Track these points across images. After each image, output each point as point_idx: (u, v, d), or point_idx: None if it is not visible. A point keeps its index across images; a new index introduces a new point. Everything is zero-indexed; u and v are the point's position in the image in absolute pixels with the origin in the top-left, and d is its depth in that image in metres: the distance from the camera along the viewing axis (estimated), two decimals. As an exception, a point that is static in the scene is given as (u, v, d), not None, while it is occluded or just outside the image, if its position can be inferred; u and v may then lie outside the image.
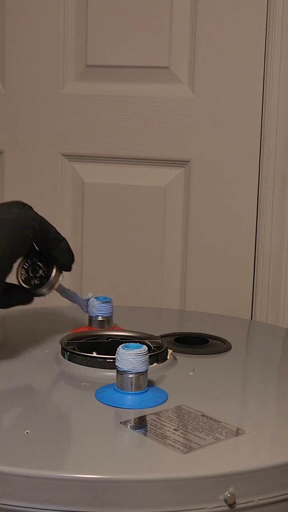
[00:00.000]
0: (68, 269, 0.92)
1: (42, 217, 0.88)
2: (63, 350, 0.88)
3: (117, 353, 0.76)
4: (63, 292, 0.94)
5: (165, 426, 0.71)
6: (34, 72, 1.40)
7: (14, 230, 0.83)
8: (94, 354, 0.85)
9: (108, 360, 0.83)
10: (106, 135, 1.38)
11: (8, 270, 0.83)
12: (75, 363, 0.85)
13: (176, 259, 1.37)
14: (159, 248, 1.37)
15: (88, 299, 0.98)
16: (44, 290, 0.90)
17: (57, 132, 1.40)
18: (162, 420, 0.72)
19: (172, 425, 0.71)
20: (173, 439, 0.68)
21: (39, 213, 0.89)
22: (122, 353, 0.75)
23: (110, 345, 0.90)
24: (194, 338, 0.98)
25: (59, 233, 0.89)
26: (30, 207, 0.91)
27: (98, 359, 0.84)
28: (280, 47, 1.27)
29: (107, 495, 0.61)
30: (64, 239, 0.90)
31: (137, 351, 0.75)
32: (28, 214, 0.86)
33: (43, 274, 0.90)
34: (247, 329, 1.17)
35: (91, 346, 0.90)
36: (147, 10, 1.33)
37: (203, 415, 0.74)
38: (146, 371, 0.76)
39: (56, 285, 0.90)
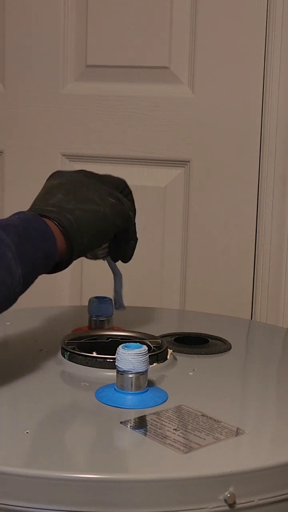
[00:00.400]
0: (117, 260, 0.96)
1: (131, 212, 0.90)
2: (63, 350, 0.88)
3: (117, 353, 0.76)
4: (110, 264, 0.97)
5: (165, 426, 0.71)
6: (34, 72, 1.40)
7: (101, 228, 0.85)
8: (94, 354, 0.85)
9: (108, 360, 0.83)
10: (106, 135, 1.38)
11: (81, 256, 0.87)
12: (75, 363, 0.85)
13: (176, 259, 1.37)
14: (159, 248, 1.37)
15: (120, 295, 1.00)
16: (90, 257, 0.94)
17: (57, 132, 1.40)
18: (162, 420, 0.72)
19: (172, 425, 0.71)
20: (173, 439, 0.68)
21: None
22: (122, 353, 0.75)
23: (110, 345, 0.90)
24: (194, 338, 0.98)
25: (135, 233, 0.92)
26: (129, 192, 0.92)
27: (98, 359, 0.84)
28: (280, 47, 1.27)
29: (107, 495, 0.61)
30: (136, 239, 0.93)
31: (137, 351, 0.75)
32: (120, 210, 0.87)
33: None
34: (247, 329, 1.17)
35: (91, 346, 0.90)
36: (147, 10, 1.33)
37: (203, 415, 0.74)
38: (146, 371, 0.76)
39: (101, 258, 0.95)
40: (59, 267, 0.83)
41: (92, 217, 0.84)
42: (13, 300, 0.75)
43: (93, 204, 0.85)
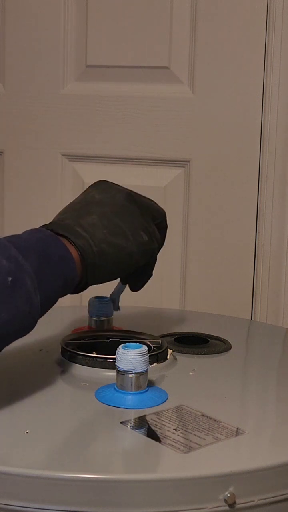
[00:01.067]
0: (125, 283, 0.94)
1: (155, 250, 0.88)
2: (63, 350, 0.88)
3: (117, 353, 0.76)
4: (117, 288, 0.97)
5: (165, 426, 0.71)
6: (34, 72, 1.40)
7: (121, 266, 0.83)
8: (94, 354, 0.85)
9: (108, 360, 0.83)
10: (106, 135, 1.38)
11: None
12: (75, 363, 0.85)
13: (176, 259, 1.37)
14: (159, 248, 1.37)
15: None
16: None
17: (57, 132, 1.40)
18: (162, 420, 0.72)
19: (172, 425, 0.71)
20: (173, 439, 0.68)
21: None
22: (122, 353, 0.75)
23: (110, 345, 0.90)
24: (194, 338, 0.99)
25: (152, 269, 0.91)
26: (165, 226, 0.92)
27: (98, 359, 0.84)
28: (280, 47, 1.27)
29: (107, 495, 0.61)
30: (151, 275, 0.91)
31: (137, 351, 0.75)
32: (147, 250, 0.85)
33: None
34: (247, 329, 1.17)
35: (91, 346, 0.90)
36: (147, 10, 1.33)
37: (203, 415, 0.74)
38: (146, 371, 0.76)
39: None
40: (74, 290, 0.82)
41: (117, 253, 0.82)
42: (32, 326, 0.75)
43: (123, 239, 0.82)
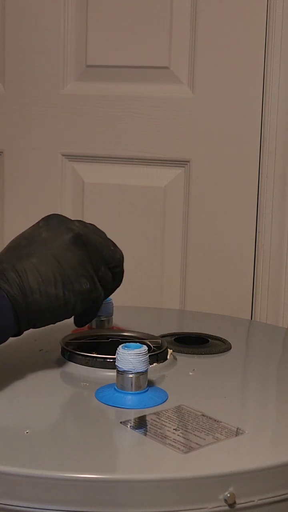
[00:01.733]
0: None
1: (99, 297, 0.83)
2: (63, 350, 0.88)
3: (117, 353, 0.76)
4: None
5: (165, 426, 0.71)
6: (34, 72, 1.40)
7: (55, 314, 0.80)
8: (94, 354, 0.85)
9: (108, 360, 0.83)
10: (106, 135, 1.37)
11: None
12: (75, 363, 0.85)
13: (176, 259, 1.37)
14: (159, 248, 1.37)
15: None
16: None
17: (57, 132, 1.40)
18: (162, 420, 0.72)
19: (172, 425, 0.71)
20: (173, 439, 0.68)
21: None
22: (122, 353, 0.75)
23: (110, 345, 0.90)
24: (194, 338, 0.98)
25: (96, 311, 0.86)
26: (119, 271, 0.86)
27: (98, 359, 0.84)
28: (280, 47, 1.27)
29: (107, 495, 0.61)
30: (95, 316, 0.87)
31: (137, 351, 0.75)
32: (87, 298, 0.80)
33: None
34: (247, 329, 1.17)
35: (91, 346, 0.90)
36: (147, 10, 1.33)
37: (203, 415, 0.74)
38: (146, 371, 0.76)
39: None
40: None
41: (51, 303, 0.78)
42: None
43: (60, 288, 0.78)
